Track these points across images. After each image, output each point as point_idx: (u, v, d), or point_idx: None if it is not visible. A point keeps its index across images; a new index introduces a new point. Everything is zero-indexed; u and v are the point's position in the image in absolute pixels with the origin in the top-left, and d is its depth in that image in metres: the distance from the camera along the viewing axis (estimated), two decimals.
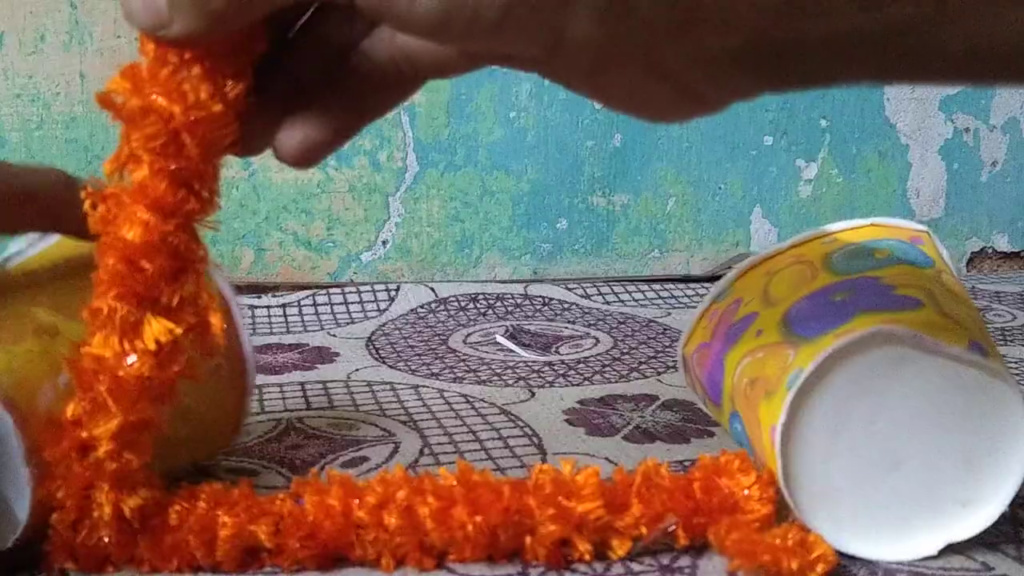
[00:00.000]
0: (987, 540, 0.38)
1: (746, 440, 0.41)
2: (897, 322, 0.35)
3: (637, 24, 0.23)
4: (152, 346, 0.32)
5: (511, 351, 0.69)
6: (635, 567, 0.36)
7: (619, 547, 0.36)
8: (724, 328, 0.45)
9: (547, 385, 0.61)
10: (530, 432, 0.51)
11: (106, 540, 0.33)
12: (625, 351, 0.69)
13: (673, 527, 0.36)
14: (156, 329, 0.32)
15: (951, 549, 0.37)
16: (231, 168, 0.86)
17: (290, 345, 0.70)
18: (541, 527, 0.35)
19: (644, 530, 0.36)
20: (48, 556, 0.34)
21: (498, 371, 0.64)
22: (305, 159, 0.32)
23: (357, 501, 0.35)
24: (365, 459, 0.46)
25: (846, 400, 0.36)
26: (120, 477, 0.33)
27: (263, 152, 0.33)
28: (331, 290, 0.84)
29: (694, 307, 0.66)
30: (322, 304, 0.82)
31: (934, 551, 0.37)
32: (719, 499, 0.36)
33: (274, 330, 0.75)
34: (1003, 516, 0.37)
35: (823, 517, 0.36)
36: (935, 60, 0.22)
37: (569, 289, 0.88)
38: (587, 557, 0.35)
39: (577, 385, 0.61)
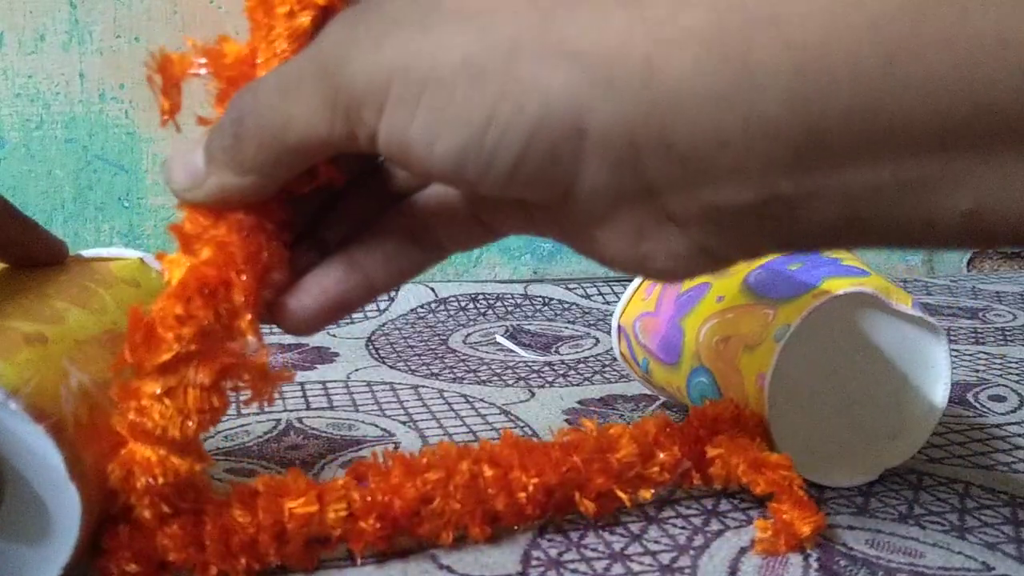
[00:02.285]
0: (987, 540, 0.38)
1: (713, 390, 0.47)
2: (862, 286, 0.43)
3: (649, 177, 0.24)
4: None
5: (511, 351, 0.69)
6: (635, 567, 0.36)
7: (646, 493, 0.40)
8: (671, 298, 0.51)
9: (547, 385, 0.61)
10: (530, 432, 0.51)
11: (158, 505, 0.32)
12: None
13: (688, 468, 0.41)
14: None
15: (952, 549, 0.37)
16: None
17: (290, 345, 0.70)
18: (590, 482, 0.38)
19: (667, 476, 0.40)
20: (105, 561, 0.33)
21: (498, 371, 0.64)
22: (308, 328, 0.32)
23: (422, 477, 0.36)
24: (365, 459, 0.46)
25: (818, 351, 0.43)
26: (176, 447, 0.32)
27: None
28: None
29: None
30: None
31: (875, 476, 0.44)
32: (721, 442, 0.41)
33: (274, 330, 0.75)
34: (1003, 516, 0.37)
35: (792, 450, 0.41)
36: (943, 221, 0.22)
37: (569, 289, 0.88)
38: (628, 504, 0.39)
39: (577, 385, 0.61)
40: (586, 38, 0.23)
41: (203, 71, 0.30)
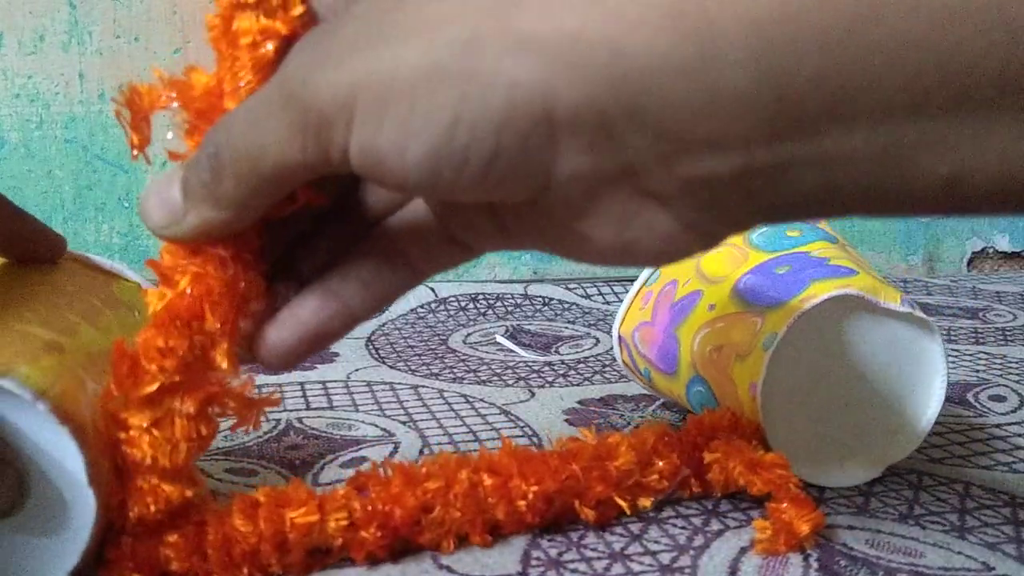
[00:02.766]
0: (987, 540, 0.38)
1: (711, 398, 0.47)
2: (848, 287, 0.43)
3: (626, 155, 0.24)
4: None
5: (511, 351, 0.69)
6: (635, 567, 0.36)
7: (645, 501, 0.40)
8: (666, 306, 0.51)
9: (547, 385, 0.61)
10: (530, 432, 0.51)
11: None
12: None
13: (686, 475, 0.41)
14: None
15: (952, 549, 0.37)
16: None
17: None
18: (589, 490, 0.38)
19: (665, 483, 0.40)
20: (108, 572, 0.33)
21: (498, 371, 0.64)
22: (285, 364, 0.31)
23: (422, 486, 0.36)
24: (365, 459, 0.46)
25: (809, 355, 0.43)
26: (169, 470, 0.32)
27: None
28: None
29: None
30: None
31: (877, 474, 0.44)
32: (718, 447, 0.41)
33: None
34: (1003, 516, 0.37)
35: (792, 454, 0.41)
36: (922, 187, 0.23)
37: (569, 289, 0.88)
38: (628, 512, 0.39)
39: (577, 385, 0.61)
40: (544, 25, 0.23)
41: (172, 104, 0.30)
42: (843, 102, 0.21)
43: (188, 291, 0.30)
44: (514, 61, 0.23)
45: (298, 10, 0.29)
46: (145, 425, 0.31)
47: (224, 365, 0.31)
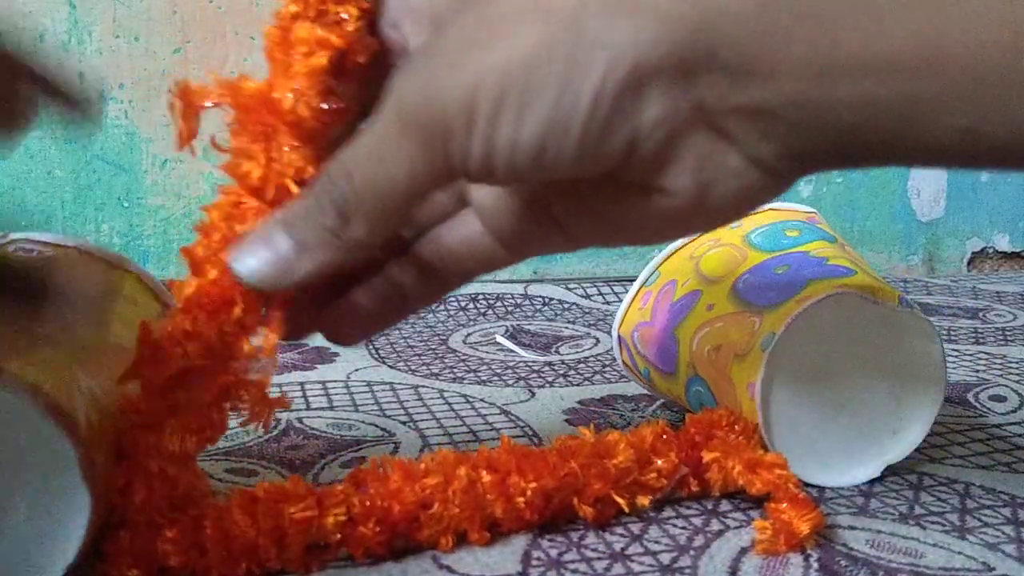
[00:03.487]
0: (987, 540, 0.38)
1: (710, 398, 0.47)
2: (845, 286, 0.43)
3: (699, 92, 0.26)
4: None
5: (511, 351, 0.69)
6: (635, 567, 0.36)
7: (643, 499, 0.40)
8: (665, 306, 0.51)
9: (547, 385, 0.61)
10: (530, 432, 0.51)
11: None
12: None
13: (685, 474, 0.41)
14: None
15: (952, 549, 0.37)
16: None
17: (290, 345, 0.70)
18: (587, 487, 0.38)
19: (664, 482, 0.40)
20: (106, 566, 0.33)
21: (498, 371, 0.64)
22: (355, 339, 0.34)
23: (420, 483, 0.36)
24: (365, 459, 0.46)
25: (807, 355, 0.43)
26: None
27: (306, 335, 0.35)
28: None
29: None
30: None
31: (877, 474, 0.44)
32: (717, 446, 0.41)
33: None
34: (1003, 516, 0.37)
35: (791, 454, 0.41)
36: (941, 137, 0.25)
37: (569, 289, 0.88)
38: (626, 510, 0.39)
39: (577, 385, 0.61)
40: None
41: (221, 101, 0.31)
42: (877, 53, 0.25)
43: (219, 279, 0.31)
44: (611, 25, 0.26)
45: (353, 26, 0.30)
46: (161, 409, 0.31)
47: (253, 356, 0.32)
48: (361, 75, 0.31)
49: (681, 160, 0.28)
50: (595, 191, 0.30)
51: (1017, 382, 0.61)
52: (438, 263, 0.34)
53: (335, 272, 0.30)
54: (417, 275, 0.34)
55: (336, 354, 0.67)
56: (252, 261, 0.30)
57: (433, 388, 0.59)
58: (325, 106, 0.31)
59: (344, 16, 0.30)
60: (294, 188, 0.31)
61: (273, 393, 0.34)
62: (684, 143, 0.27)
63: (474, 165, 0.27)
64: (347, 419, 0.53)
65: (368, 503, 0.35)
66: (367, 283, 0.34)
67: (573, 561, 0.36)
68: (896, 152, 0.27)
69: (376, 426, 0.52)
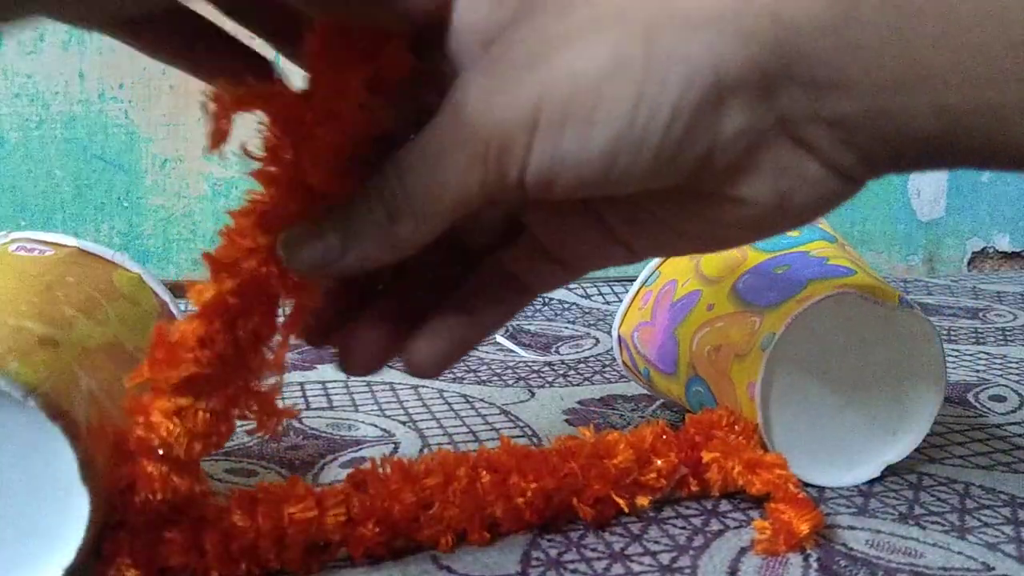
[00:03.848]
0: (987, 540, 0.38)
1: (710, 398, 0.47)
2: (844, 286, 0.43)
3: (781, 105, 0.27)
4: None
5: (511, 351, 0.69)
6: (635, 567, 0.36)
7: (643, 499, 0.39)
8: (665, 306, 0.51)
9: (547, 385, 0.61)
10: (530, 432, 0.51)
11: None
12: None
13: (685, 474, 0.41)
14: None
15: (952, 549, 0.37)
16: (229, 168, 0.86)
17: (290, 345, 0.70)
18: (587, 487, 0.38)
19: (664, 482, 0.40)
20: (105, 567, 0.33)
21: (498, 371, 0.64)
22: (437, 371, 0.34)
23: (420, 483, 0.36)
24: (364, 459, 0.46)
25: (807, 355, 0.43)
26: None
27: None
28: None
29: None
30: None
31: (877, 473, 0.44)
32: (716, 446, 0.41)
33: None
34: (1003, 516, 0.37)
35: (791, 454, 0.41)
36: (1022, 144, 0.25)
37: (569, 289, 0.88)
38: (626, 510, 0.39)
39: (577, 385, 0.61)
40: (709, 3, 0.26)
41: (257, 109, 0.30)
42: (958, 64, 0.25)
43: (239, 288, 0.30)
44: (688, 39, 0.26)
45: (393, 43, 0.30)
46: (168, 412, 0.31)
47: (261, 364, 0.32)
48: (404, 87, 0.31)
49: (759, 170, 0.28)
50: (658, 202, 0.30)
51: (1017, 382, 0.61)
52: (500, 284, 0.34)
53: (380, 266, 0.30)
54: (487, 300, 0.34)
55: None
56: (300, 247, 0.30)
57: (433, 388, 0.59)
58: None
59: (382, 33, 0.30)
60: (325, 198, 0.30)
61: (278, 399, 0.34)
62: (764, 154, 0.27)
63: (531, 179, 0.27)
64: (347, 419, 0.53)
65: (368, 503, 0.35)
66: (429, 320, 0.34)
67: (573, 561, 0.36)
68: (979, 157, 0.27)
69: (376, 426, 0.52)
